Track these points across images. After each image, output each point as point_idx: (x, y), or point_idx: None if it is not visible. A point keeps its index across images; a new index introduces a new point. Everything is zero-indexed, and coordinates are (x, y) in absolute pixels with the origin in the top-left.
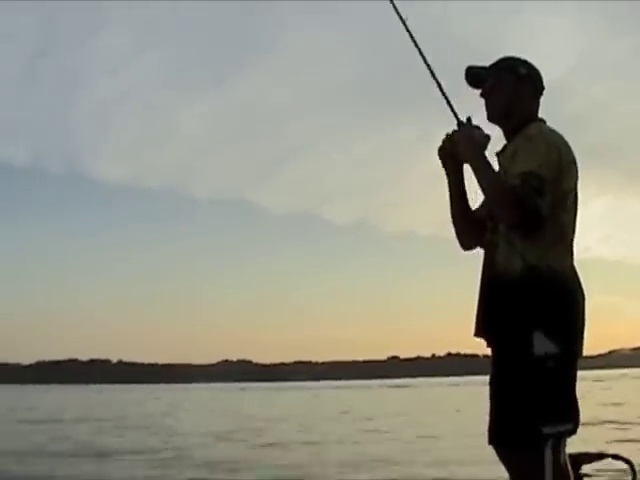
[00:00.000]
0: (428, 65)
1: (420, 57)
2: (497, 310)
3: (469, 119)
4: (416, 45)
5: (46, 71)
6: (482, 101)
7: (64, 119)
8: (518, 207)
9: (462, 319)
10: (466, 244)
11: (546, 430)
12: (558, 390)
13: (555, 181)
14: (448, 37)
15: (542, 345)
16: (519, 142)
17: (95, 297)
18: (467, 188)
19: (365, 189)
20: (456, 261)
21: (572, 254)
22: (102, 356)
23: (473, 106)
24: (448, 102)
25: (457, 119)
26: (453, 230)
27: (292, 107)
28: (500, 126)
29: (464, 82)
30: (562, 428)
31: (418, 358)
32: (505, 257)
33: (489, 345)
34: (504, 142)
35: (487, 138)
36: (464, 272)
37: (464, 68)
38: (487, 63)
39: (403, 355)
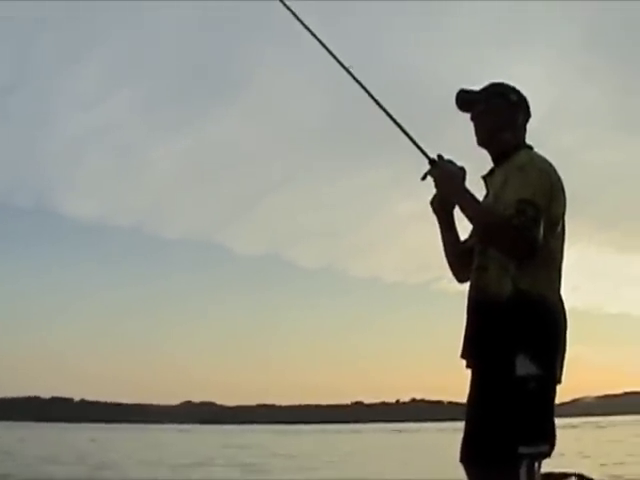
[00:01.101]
0: (384, 109)
1: (375, 103)
2: (484, 332)
3: (440, 156)
4: (367, 92)
5: (16, 106)
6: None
7: (34, 155)
8: (517, 238)
9: (427, 365)
10: (460, 277)
11: (522, 450)
12: (537, 411)
13: (546, 208)
14: (415, 85)
15: (524, 367)
16: (509, 169)
17: (59, 335)
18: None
19: (332, 233)
20: (423, 309)
21: (560, 280)
22: (64, 394)
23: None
24: (414, 142)
25: (427, 157)
26: (447, 263)
27: (261, 150)
28: (488, 150)
29: (431, 126)
30: (538, 449)
31: (382, 404)
32: (496, 280)
33: (470, 366)
34: (490, 166)
35: (463, 170)
36: (430, 319)
37: (431, 118)
38: (455, 112)
39: (367, 400)
